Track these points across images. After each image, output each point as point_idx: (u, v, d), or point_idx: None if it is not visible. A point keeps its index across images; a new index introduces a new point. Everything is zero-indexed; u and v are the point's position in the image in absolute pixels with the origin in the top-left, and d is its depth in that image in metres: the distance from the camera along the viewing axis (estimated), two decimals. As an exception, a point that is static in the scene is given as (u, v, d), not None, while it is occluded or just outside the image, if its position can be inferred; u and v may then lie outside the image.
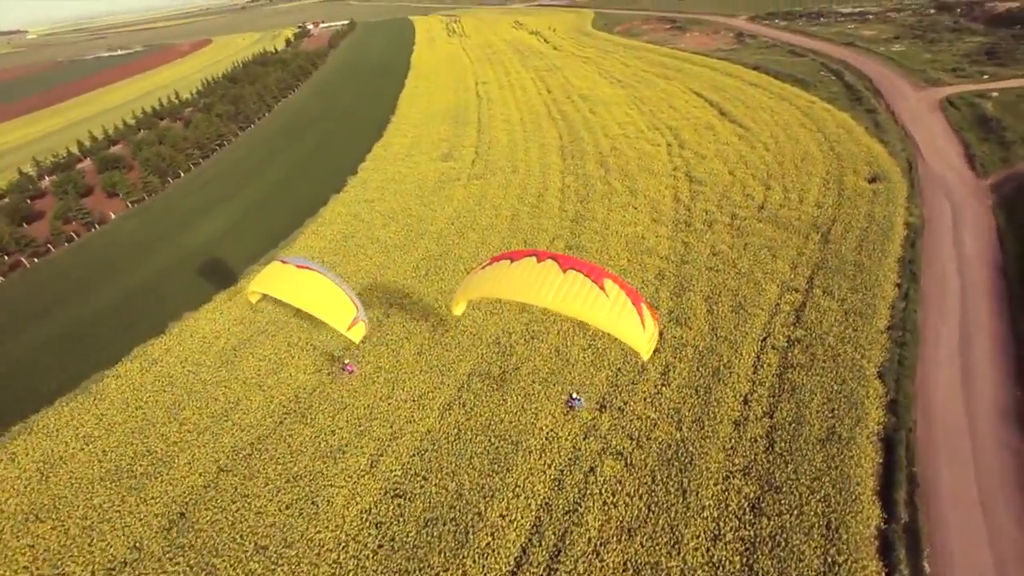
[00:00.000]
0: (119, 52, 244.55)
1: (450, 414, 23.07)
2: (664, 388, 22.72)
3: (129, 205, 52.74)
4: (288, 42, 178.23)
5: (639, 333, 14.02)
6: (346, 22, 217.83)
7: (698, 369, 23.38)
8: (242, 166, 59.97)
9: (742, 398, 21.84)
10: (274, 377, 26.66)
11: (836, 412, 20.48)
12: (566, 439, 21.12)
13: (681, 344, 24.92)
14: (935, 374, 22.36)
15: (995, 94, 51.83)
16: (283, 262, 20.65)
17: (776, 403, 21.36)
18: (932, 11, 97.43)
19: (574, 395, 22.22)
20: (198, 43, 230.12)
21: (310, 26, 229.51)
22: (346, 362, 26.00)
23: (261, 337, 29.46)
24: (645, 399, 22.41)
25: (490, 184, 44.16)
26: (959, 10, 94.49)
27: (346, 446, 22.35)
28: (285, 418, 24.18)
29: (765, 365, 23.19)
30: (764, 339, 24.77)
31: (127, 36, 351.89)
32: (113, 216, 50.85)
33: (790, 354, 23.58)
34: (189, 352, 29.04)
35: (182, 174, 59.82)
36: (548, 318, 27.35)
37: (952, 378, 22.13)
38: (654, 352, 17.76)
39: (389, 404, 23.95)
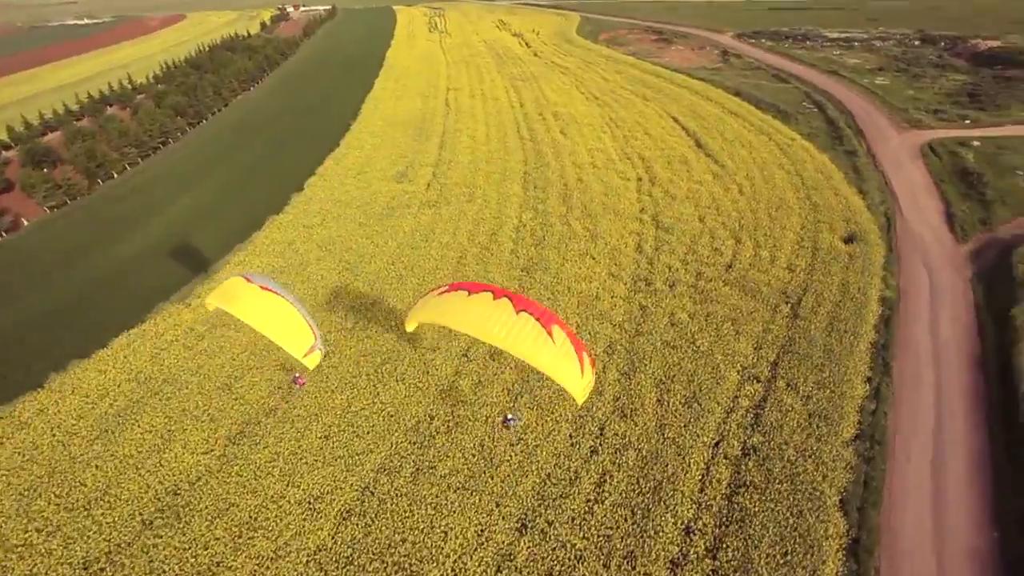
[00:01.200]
0: (85, 21, 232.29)
1: (347, 526, 19.56)
2: (596, 506, 19.53)
3: (47, 210, 47.56)
4: (263, 25, 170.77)
5: (577, 380, 14.89)
6: (328, 7, 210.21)
7: (638, 482, 20.23)
8: (179, 172, 54.95)
9: (683, 527, 18.77)
10: (156, 457, 22.78)
11: (789, 556, 17.54)
12: (476, 572, 17.82)
13: (623, 444, 21.77)
14: (904, 503, 19.62)
15: (976, 143, 50.00)
16: (247, 280, 20.02)
17: (722, 537, 18.32)
18: (917, 43, 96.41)
19: (509, 415, 22.65)
20: (170, 18, 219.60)
21: (290, 9, 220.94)
22: (296, 374, 25.15)
23: (154, 400, 25.42)
24: (573, 519, 19.19)
25: (441, 215, 40.42)
26: (943, 43, 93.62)
27: (218, 564, 18.72)
28: (155, 518, 20.37)
29: (714, 482, 20.15)
30: (717, 443, 21.77)
31: (100, 2, 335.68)
32: (26, 223, 45.71)
33: (743, 468, 20.59)
34: (64, 416, 24.87)
35: (115, 175, 54.62)
36: (475, 401, 23.98)
37: (922, 510, 19.41)
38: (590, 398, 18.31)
39: (279, 508, 20.34)
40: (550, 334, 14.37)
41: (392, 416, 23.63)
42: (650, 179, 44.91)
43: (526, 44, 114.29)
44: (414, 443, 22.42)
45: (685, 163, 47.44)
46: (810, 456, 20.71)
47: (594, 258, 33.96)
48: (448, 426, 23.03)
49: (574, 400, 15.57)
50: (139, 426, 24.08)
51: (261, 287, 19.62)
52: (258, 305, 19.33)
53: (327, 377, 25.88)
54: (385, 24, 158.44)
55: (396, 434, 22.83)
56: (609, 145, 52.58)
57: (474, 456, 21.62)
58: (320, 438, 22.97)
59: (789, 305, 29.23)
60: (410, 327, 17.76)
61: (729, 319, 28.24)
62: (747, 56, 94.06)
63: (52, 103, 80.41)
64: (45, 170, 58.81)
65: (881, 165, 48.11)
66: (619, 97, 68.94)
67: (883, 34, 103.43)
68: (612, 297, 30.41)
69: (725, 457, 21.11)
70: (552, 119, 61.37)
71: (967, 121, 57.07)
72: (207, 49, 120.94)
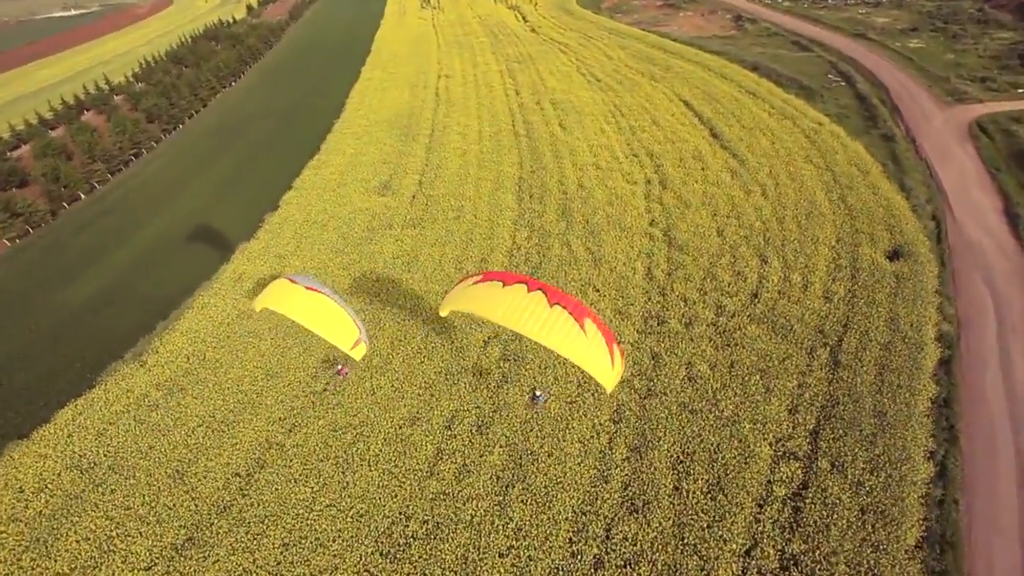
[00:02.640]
0: (72, 12, 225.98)
1: None
2: (604, 653, 15.89)
3: (6, 243, 44.17)
4: (250, 9, 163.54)
5: (607, 371, 15.42)
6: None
7: (655, 615, 16.51)
8: (148, 191, 51.02)
9: None
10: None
11: None
12: None
13: (634, 555, 17.96)
14: (991, 642, 15.68)
15: (1034, 119, 43.94)
16: (291, 281, 21.73)
17: None
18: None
19: (537, 392, 23.09)
20: (158, 4, 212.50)
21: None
22: (339, 366, 26.12)
23: (96, 495, 22.08)
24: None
25: (426, 237, 36.12)
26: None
27: None
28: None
29: (750, 615, 16.35)
30: (748, 551, 17.85)
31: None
32: (-17, 259, 42.44)
33: (784, 592, 16.73)
34: (-10, 515, 21.77)
35: (82, 196, 50.94)
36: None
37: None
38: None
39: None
40: (582, 327, 14.82)
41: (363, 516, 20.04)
42: (660, 181, 39.94)
43: (523, 18, 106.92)
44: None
45: (699, 159, 42.24)
46: (867, 573, 16.72)
47: (598, 290, 29.60)
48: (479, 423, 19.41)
49: (603, 389, 16.58)
50: (75, 532, 20.82)
51: (306, 287, 21.31)
52: (304, 304, 20.92)
53: (288, 458, 22.21)
54: (375, 1, 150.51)
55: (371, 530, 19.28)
56: (613, 139, 47.33)
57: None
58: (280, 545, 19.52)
59: (828, 348, 24.78)
60: (444, 312, 18.27)
61: (757, 370, 23.93)
62: (763, 20, 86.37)
63: (29, 109, 76.61)
64: (13, 190, 55.44)
65: (924, 152, 42.50)
66: (624, 78, 62.93)
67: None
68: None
69: (760, 574, 17.19)
70: (551, 108, 55.94)
71: (1021, 90, 50.62)
72: (190, 40, 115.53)
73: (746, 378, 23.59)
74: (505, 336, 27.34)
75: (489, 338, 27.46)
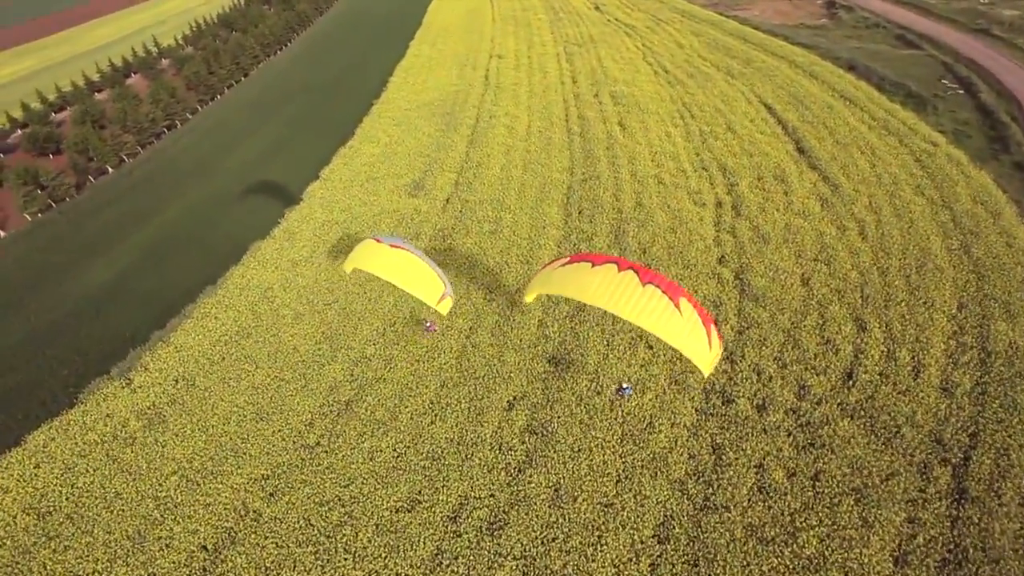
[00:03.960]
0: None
1: None
2: None
3: (28, 217, 42.51)
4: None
5: (705, 352, 14.76)
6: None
7: None
8: (171, 172, 48.41)
9: None
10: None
11: None
12: None
13: None
14: None
15: None
16: (377, 240, 22.67)
17: None
18: (1099, -14, 74.27)
19: (624, 384, 22.15)
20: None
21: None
22: (428, 322, 26.68)
23: (45, 552, 19.33)
24: None
25: (455, 255, 31.61)
26: None
27: None
28: None
29: None
30: None
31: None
32: (3, 235, 40.87)
33: None
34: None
35: (110, 170, 48.93)
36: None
37: None
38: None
39: None
40: (677, 306, 14.32)
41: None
42: (734, 205, 33.88)
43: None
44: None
45: (782, 180, 35.77)
46: None
47: (651, 347, 24.48)
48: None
49: (700, 372, 15.79)
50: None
51: (391, 245, 22.11)
52: (391, 261, 21.72)
53: (244, 545, 18.59)
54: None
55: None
56: (680, 147, 41.08)
57: None
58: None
59: (949, 468, 19.05)
60: (529, 298, 18.10)
61: (851, 489, 18.53)
62: (860, 8, 75.89)
63: (79, 69, 75.86)
64: (50, 156, 54.30)
65: (1070, 189, 34.55)
66: (696, 71, 55.68)
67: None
68: (673, 426, 21.17)
69: None
70: (610, 103, 49.77)
71: None
72: (243, 2, 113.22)
73: (836, 500, 18.26)
74: (534, 399, 22.78)
75: (515, 399, 22.95)
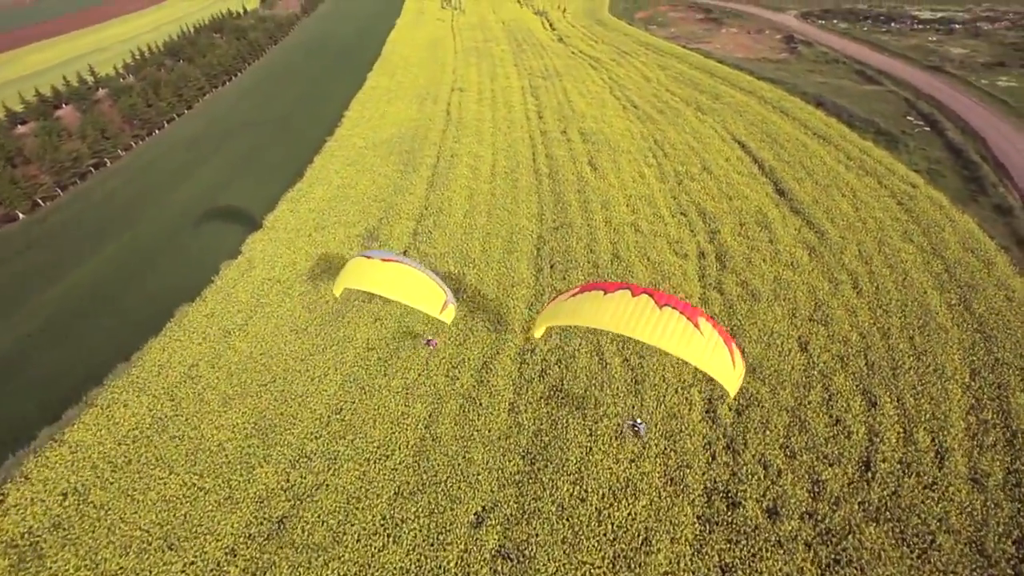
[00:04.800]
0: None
1: None
2: None
3: (-87, 276, 36.51)
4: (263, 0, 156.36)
5: (730, 371, 14.62)
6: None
7: None
8: (92, 218, 43.21)
9: None
10: None
11: None
12: None
13: None
14: None
15: None
16: (367, 257, 21.84)
17: None
18: (1037, 25, 77.92)
19: (638, 420, 20.77)
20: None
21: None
22: (428, 338, 25.77)
23: None
24: None
25: (411, 321, 27.78)
26: (1072, 26, 75.13)
27: None
28: None
29: None
30: None
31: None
32: None
33: None
34: None
35: (20, 216, 43.26)
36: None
37: None
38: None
39: None
40: (697, 326, 14.14)
41: None
42: (718, 255, 31.35)
43: (550, 25, 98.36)
44: None
45: (765, 226, 33.58)
46: None
47: (639, 436, 21.12)
48: None
49: (727, 392, 15.64)
50: None
51: (383, 259, 21.18)
52: (385, 276, 20.65)
53: None
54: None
55: None
56: (656, 189, 38.71)
57: None
58: None
59: (999, 587, 16.18)
60: (538, 333, 18.21)
61: (891, 627, 15.37)
62: (818, 43, 77.20)
63: (9, 97, 69.36)
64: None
65: (1052, 232, 33.51)
66: (665, 106, 54.23)
67: (990, 12, 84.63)
68: (672, 541, 17.69)
69: None
70: (578, 140, 47.43)
71: None
72: (192, 31, 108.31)
73: (877, 643, 15.04)
74: (507, 511, 18.96)
75: (484, 510, 19.09)
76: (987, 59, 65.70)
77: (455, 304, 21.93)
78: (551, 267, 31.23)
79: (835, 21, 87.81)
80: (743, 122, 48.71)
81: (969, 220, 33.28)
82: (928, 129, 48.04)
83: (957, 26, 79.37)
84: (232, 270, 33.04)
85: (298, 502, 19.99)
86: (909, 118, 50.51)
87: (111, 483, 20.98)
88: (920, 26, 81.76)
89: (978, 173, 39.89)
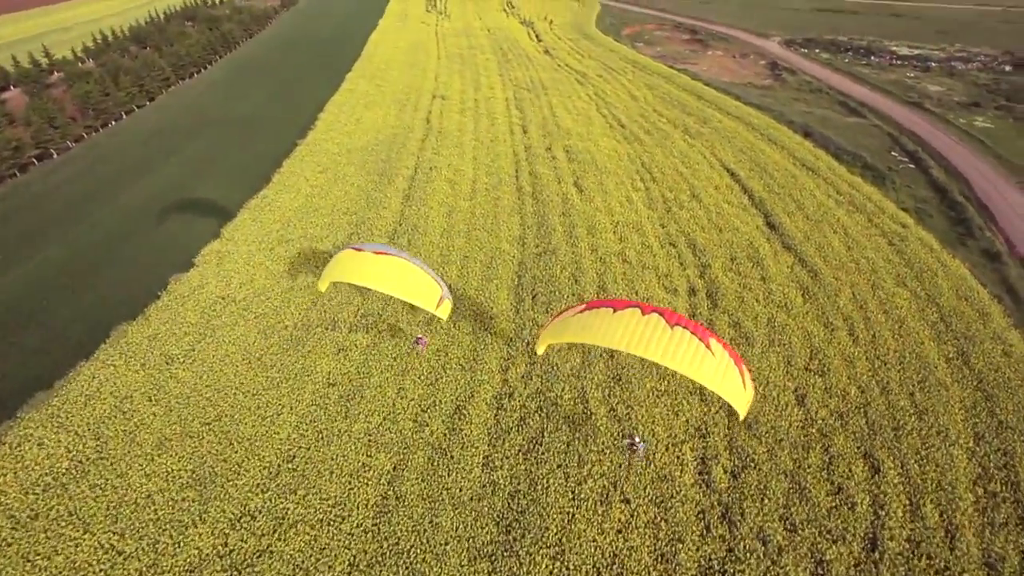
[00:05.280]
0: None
1: None
2: None
3: None
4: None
5: (741, 393, 14.59)
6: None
7: None
8: (28, 217, 39.00)
9: None
10: None
11: None
12: None
13: None
14: None
15: None
16: (356, 249, 20.48)
17: None
18: (1008, 68, 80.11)
19: (636, 438, 19.74)
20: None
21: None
22: (418, 336, 24.83)
23: None
24: None
25: (378, 357, 25.17)
26: (1041, 71, 77.44)
27: None
28: None
29: None
30: None
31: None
32: None
33: None
34: None
35: (-54, 211, 38.87)
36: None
37: None
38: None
39: None
40: (708, 347, 13.98)
41: None
42: (709, 293, 29.70)
43: (536, 36, 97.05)
44: None
45: (757, 262, 32.17)
46: None
47: (627, 500, 19.01)
48: None
49: (737, 414, 15.22)
50: None
51: (375, 252, 20.08)
52: (377, 270, 19.60)
53: None
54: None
55: None
56: (644, 216, 37.04)
57: None
58: None
59: None
60: (540, 350, 17.83)
61: None
62: (802, 72, 77.69)
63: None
64: None
65: (1038, 278, 33.07)
66: (652, 127, 52.99)
67: (963, 53, 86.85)
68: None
69: None
70: (564, 158, 45.61)
71: None
72: (163, 17, 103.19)
73: None
74: (477, 593, 16.55)
75: (450, 592, 16.61)
76: (963, 98, 66.84)
77: (451, 299, 21.02)
78: (533, 298, 29.04)
79: (817, 51, 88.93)
80: (732, 149, 47.71)
81: (960, 265, 32.55)
82: (913, 166, 47.90)
83: (933, 64, 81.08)
84: (182, 285, 29.80)
85: (236, 573, 17.20)
86: (894, 154, 50.41)
87: (8, 545, 17.77)
88: (899, 62, 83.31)
89: (964, 215, 39.54)
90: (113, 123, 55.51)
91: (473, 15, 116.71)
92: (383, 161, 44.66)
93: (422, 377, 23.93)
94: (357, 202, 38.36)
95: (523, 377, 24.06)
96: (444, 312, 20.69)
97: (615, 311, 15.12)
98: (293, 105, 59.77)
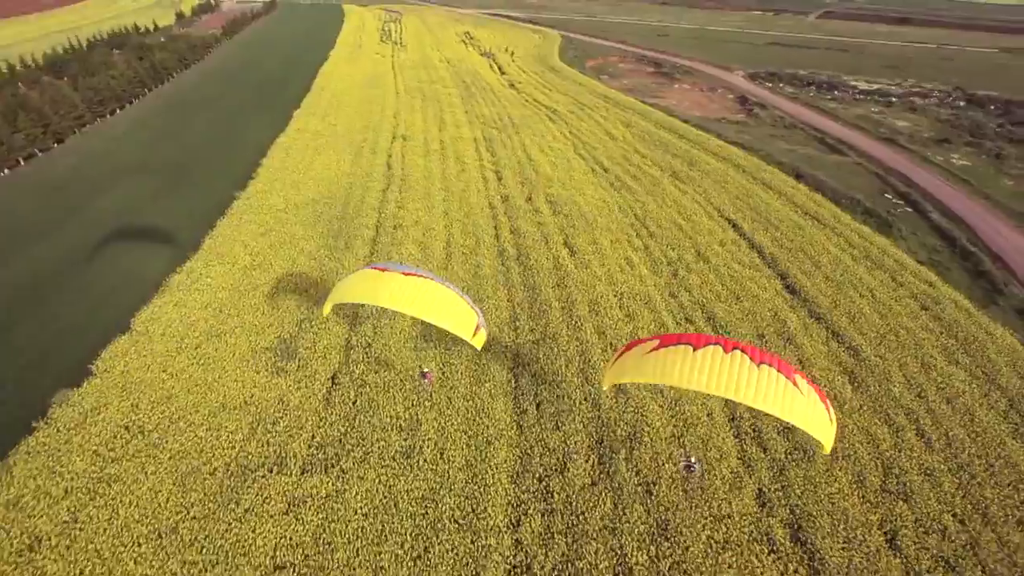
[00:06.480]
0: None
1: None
2: None
3: None
4: (180, 16, 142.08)
5: (828, 427, 14.10)
6: (267, 0, 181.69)
7: None
8: None
9: None
10: None
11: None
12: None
13: None
14: None
15: None
16: (380, 270, 18.60)
17: None
18: (962, 103, 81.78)
19: (692, 459, 19.53)
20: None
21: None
22: (425, 370, 23.09)
23: None
24: None
25: (344, 511, 18.60)
26: (992, 107, 79.35)
27: None
28: None
29: None
30: None
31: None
32: None
33: None
34: None
35: None
36: None
37: None
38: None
39: None
40: (796, 385, 13.60)
41: None
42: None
43: (499, 69, 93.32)
44: None
45: (789, 339, 27.56)
46: None
47: None
48: None
49: (822, 447, 14.34)
50: None
51: (404, 273, 18.22)
52: (407, 292, 17.69)
53: None
54: (329, 28, 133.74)
55: None
56: (650, 283, 32.02)
57: None
58: None
59: None
60: (606, 386, 17.26)
61: None
62: (773, 106, 76.61)
63: None
64: None
65: (1082, 344, 30.01)
66: (638, 171, 48.89)
67: (919, 89, 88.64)
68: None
69: None
70: (548, 211, 40.50)
71: None
72: (85, 46, 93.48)
73: None
74: None
75: None
76: (932, 134, 66.69)
77: (486, 328, 19.30)
78: (537, 407, 23.15)
79: (781, 84, 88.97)
80: (727, 195, 43.93)
81: (1007, 334, 29.01)
82: (910, 210, 45.52)
83: (894, 99, 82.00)
84: (68, 410, 22.18)
85: None
86: (887, 196, 48.09)
87: None
88: (861, 96, 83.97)
89: (981, 266, 36.73)
90: (6, 171, 46.56)
91: (430, 46, 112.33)
92: (339, 219, 38.18)
93: (405, 548, 17.49)
94: (308, 274, 31.67)
95: (542, 538, 18.00)
96: (479, 342, 18.87)
97: (695, 349, 14.07)
98: (231, 148, 52.52)
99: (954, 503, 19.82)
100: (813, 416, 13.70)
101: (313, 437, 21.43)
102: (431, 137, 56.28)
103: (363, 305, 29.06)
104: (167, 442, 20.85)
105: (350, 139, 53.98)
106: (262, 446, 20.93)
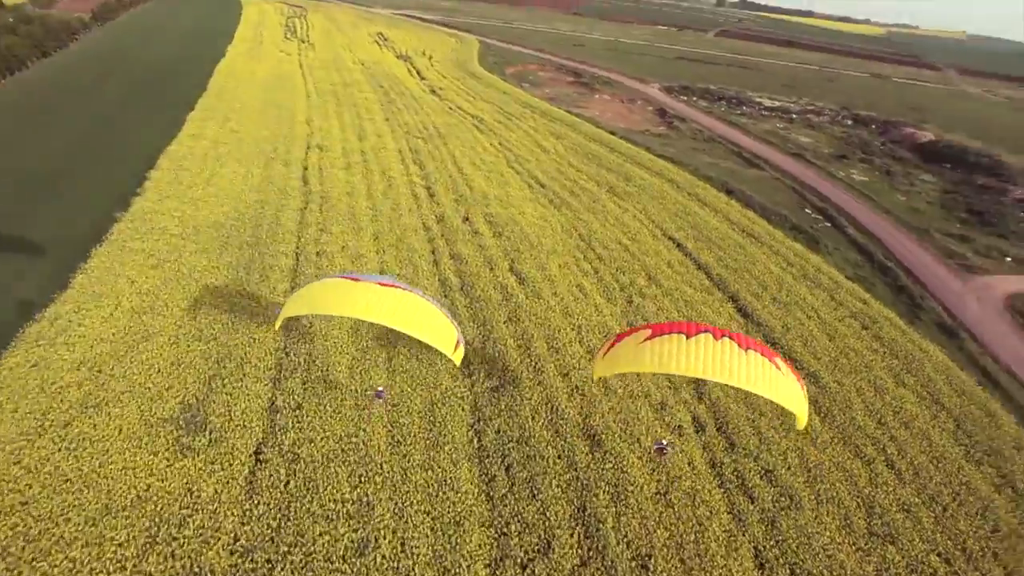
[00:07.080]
0: None
1: None
2: None
3: None
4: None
5: (804, 402, 15.43)
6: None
7: None
8: None
9: None
10: None
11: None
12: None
13: None
14: None
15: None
16: (353, 279, 17.35)
17: None
18: (849, 122, 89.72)
19: (664, 441, 20.17)
20: None
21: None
22: (379, 388, 21.49)
23: None
24: None
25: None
26: (874, 126, 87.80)
27: None
28: None
29: None
30: None
31: None
32: None
33: None
34: None
35: None
36: None
37: None
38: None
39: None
40: (778, 367, 14.79)
41: None
42: (720, 428, 23.37)
43: (418, 73, 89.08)
44: None
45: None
46: None
47: None
48: None
49: (798, 421, 15.49)
50: None
51: (379, 284, 17.38)
52: (383, 303, 16.57)
53: None
54: (225, 19, 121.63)
55: None
56: (607, 312, 30.18)
57: None
58: None
59: None
60: (597, 375, 18.01)
61: None
62: (690, 119, 79.34)
63: None
64: None
65: (990, 349, 32.49)
66: (575, 186, 47.50)
67: (812, 107, 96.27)
68: None
69: None
70: (488, 232, 37.67)
71: (1008, 260, 45.08)
72: (-95, 26, 76.77)
73: None
74: None
75: None
76: (831, 151, 72.10)
77: (464, 344, 18.82)
78: (507, 471, 20.24)
79: (695, 98, 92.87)
80: (667, 212, 43.65)
81: (938, 351, 30.44)
82: (829, 224, 48.07)
83: (794, 116, 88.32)
84: None
85: None
86: (807, 211, 50.55)
87: None
88: (767, 112, 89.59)
89: (899, 281, 39.12)
90: None
91: (341, 46, 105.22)
92: (249, 245, 32.75)
93: None
94: (217, 318, 26.36)
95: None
96: (458, 357, 18.46)
97: (688, 337, 14.80)
98: (108, 157, 44.29)
99: (936, 540, 19.58)
100: (792, 394, 14.99)
101: (236, 540, 16.93)
102: (351, 147, 51.34)
103: (288, 354, 24.54)
104: (25, 570, 15.46)
105: (258, 148, 47.69)
106: (165, 560, 16.13)
